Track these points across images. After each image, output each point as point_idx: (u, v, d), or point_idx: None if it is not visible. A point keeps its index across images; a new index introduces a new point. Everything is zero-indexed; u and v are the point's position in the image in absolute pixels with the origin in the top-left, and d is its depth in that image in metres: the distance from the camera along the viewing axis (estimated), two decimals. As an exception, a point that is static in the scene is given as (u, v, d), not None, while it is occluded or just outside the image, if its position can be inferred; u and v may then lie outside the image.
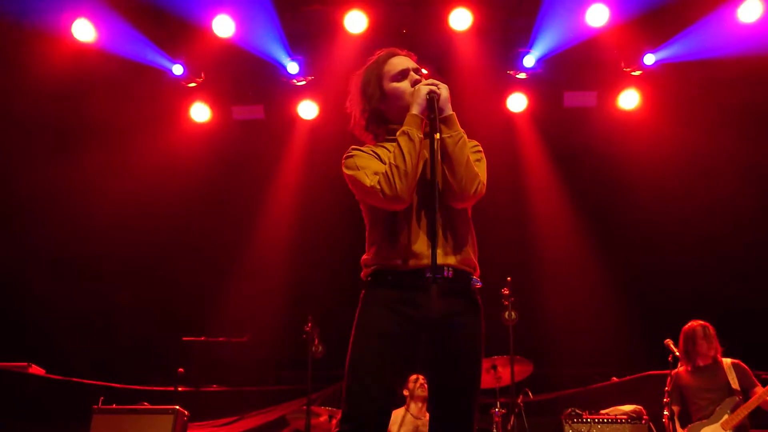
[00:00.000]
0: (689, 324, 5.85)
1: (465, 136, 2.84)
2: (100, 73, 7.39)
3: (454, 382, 2.83)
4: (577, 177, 8.10)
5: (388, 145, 2.92)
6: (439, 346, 2.81)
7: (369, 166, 2.86)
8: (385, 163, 2.82)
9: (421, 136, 2.80)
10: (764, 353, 6.51)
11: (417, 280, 2.78)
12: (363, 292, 2.93)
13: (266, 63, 7.44)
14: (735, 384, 5.54)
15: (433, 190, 2.77)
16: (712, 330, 5.77)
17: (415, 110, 2.82)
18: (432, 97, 2.80)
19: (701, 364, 5.71)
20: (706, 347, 5.70)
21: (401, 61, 3.05)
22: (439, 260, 2.76)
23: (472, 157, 2.89)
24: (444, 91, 2.84)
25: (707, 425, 5.48)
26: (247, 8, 7.10)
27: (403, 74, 3.00)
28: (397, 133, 2.81)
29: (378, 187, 2.75)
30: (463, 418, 2.88)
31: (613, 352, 7.53)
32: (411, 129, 2.79)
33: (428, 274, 2.73)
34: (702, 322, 5.82)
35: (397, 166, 2.74)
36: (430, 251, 2.70)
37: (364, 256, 2.97)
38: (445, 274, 2.81)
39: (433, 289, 2.65)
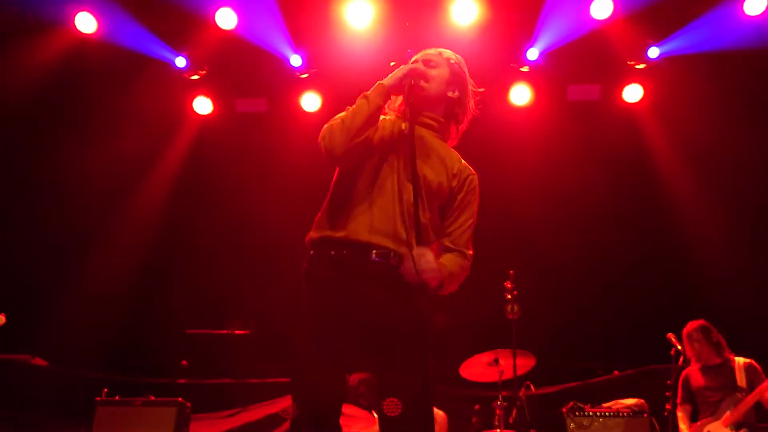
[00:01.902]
0: (688, 325, 5.78)
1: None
2: (102, 66, 7.40)
3: (396, 360, 2.72)
4: (581, 170, 8.07)
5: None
6: (381, 330, 2.74)
7: (335, 117, 2.88)
8: None
9: (380, 102, 2.82)
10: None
11: (360, 260, 2.75)
12: (305, 264, 2.90)
13: (269, 55, 7.43)
14: (742, 382, 5.50)
15: (407, 171, 2.78)
16: (712, 330, 5.70)
17: (385, 81, 2.87)
18: (407, 81, 2.86)
19: (710, 363, 5.65)
20: (707, 348, 5.65)
21: (418, 55, 3.09)
22: (392, 245, 2.75)
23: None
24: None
25: (710, 423, 5.47)
26: (250, 0, 7.08)
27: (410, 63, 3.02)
28: (360, 96, 2.85)
29: (321, 139, 2.81)
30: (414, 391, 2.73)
31: (615, 345, 7.53)
32: (372, 93, 2.83)
33: (374, 257, 2.74)
34: (700, 323, 5.74)
35: (343, 120, 2.78)
36: (394, 233, 2.73)
37: (317, 217, 2.94)
38: (391, 261, 2.76)
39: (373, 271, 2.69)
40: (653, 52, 7.24)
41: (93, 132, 7.78)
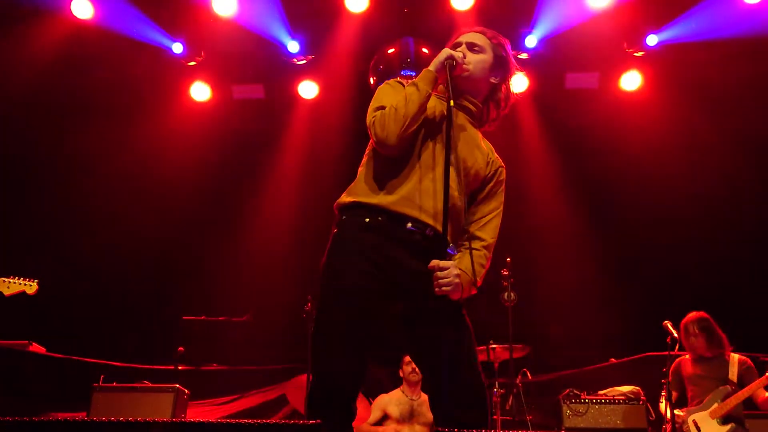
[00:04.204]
0: (687, 316, 5.77)
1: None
2: (99, 51, 7.36)
3: (444, 349, 2.68)
4: (578, 158, 8.07)
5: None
6: (417, 298, 2.72)
7: (380, 99, 2.87)
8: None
9: (429, 90, 2.80)
10: (761, 336, 6.54)
11: (396, 227, 2.73)
12: (334, 229, 2.85)
13: (267, 42, 7.39)
14: (733, 376, 5.51)
15: (444, 153, 2.76)
16: (710, 323, 5.67)
17: (431, 66, 2.86)
18: (449, 63, 2.82)
19: (705, 354, 5.65)
20: (703, 341, 5.63)
21: (463, 37, 3.05)
22: (428, 219, 2.74)
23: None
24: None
25: (697, 412, 5.49)
26: (247, -14, 7.05)
27: (454, 46, 3.01)
28: (408, 83, 2.85)
29: (372, 126, 2.77)
30: (472, 381, 2.70)
31: (611, 333, 7.55)
32: (421, 81, 2.81)
33: (410, 227, 2.72)
34: (700, 315, 5.72)
35: (396, 109, 2.73)
36: (431, 207, 2.71)
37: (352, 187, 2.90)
38: (427, 232, 2.75)
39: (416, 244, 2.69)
40: (652, 40, 7.21)
41: (90, 119, 7.75)
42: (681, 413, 5.56)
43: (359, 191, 2.83)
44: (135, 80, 7.71)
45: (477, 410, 2.66)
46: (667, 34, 7.17)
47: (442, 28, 7.10)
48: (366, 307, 2.68)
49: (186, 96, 7.92)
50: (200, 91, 7.89)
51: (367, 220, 2.75)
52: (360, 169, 2.94)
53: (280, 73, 7.79)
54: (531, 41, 7.28)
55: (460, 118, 2.95)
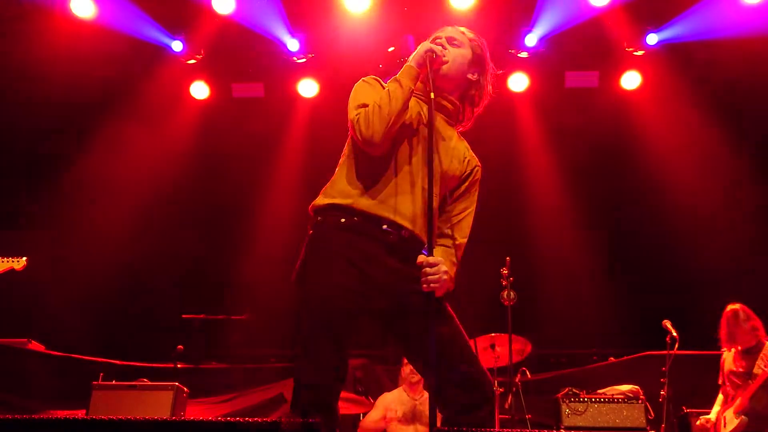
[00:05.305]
0: (727, 307, 5.69)
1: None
2: (99, 50, 7.35)
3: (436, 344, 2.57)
4: (578, 157, 8.07)
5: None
6: (396, 299, 2.71)
7: (361, 97, 2.83)
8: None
9: (412, 85, 2.77)
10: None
11: (372, 227, 2.72)
12: (310, 231, 2.82)
13: (266, 40, 7.40)
14: (758, 369, 5.44)
15: (423, 155, 2.76)
16: (747, 313, 5.59)
17: (411, 62, 2.82)
18: (428, 56, 2.79)
19: (742, 347, 5.58)
20: (741, 331, 5.54)
21: (442, 32, 3.03)
22: (404, 222, 2.72)
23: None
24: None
25: (729, 409, 5.51)
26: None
27: (433, 41, 2.97)
28: (390, 80, 2.81)
29: (356, 123, 2.72)
30: (472, 372, 2.67)
31: (611, 332, 7.56)
32: (402, 77, 2.78)
33: (386, 228, 2.71)
34: (737, 306, 5.65)
35: (380, 107, 2.69)
36: (410, 211, 2.69)
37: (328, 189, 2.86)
38: (403, 233, 2.73)
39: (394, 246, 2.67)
40: (652, 39, 7.22)
41: (89, 118, 7.75)
42: (705, 422, 5.58)
43: (335, 193, 2.81)
44: (134, 78, 7.71)
45: (479, 394, 2.64)
46: (667, 34, 7.18)
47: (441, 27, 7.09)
48: (344, 306, 2.68)
49: (186, 94, 7.92)
50: (200, 90, 7.89)
51: (343, 220, 2.74)
52: (336, 170, 2.92)
53: (279, 71, 7.79)
54: (531, 40, 7.28)
55: (437, 118, 2.91)
